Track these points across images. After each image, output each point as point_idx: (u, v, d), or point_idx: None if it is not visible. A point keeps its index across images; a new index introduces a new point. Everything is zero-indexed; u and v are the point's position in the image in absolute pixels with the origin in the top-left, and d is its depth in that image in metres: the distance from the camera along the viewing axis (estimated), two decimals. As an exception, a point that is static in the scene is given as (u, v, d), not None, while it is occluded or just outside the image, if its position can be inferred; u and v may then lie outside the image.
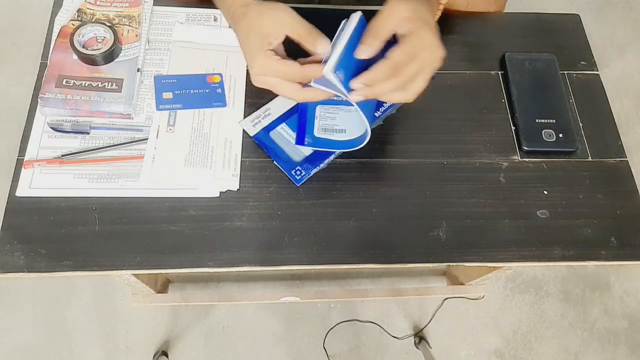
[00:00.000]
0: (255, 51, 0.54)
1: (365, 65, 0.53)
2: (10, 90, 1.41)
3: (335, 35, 0.54)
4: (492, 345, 1.22)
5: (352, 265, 0.58)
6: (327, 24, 0.57)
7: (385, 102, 0.57)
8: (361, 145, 0.59)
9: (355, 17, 0.54)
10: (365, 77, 0.52)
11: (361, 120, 0.57)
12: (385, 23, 0.53)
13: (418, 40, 0.52)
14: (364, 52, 0.53)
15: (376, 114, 0.65)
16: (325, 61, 0.52)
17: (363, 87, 0.52)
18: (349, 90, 0.52)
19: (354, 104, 0.54)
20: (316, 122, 0.63)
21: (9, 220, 0.56)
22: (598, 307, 1.27)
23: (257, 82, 0.56)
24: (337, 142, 0.62)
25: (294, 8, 0.55)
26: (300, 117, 0.64)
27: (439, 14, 0.67)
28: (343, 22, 0.55)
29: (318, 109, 0.64)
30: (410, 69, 0.52)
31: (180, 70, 0.65)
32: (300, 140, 0.62)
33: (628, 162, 0.66)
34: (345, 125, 0.63)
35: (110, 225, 0.57)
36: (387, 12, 0.53)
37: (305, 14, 0.54)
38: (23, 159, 0.59)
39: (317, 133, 0.63)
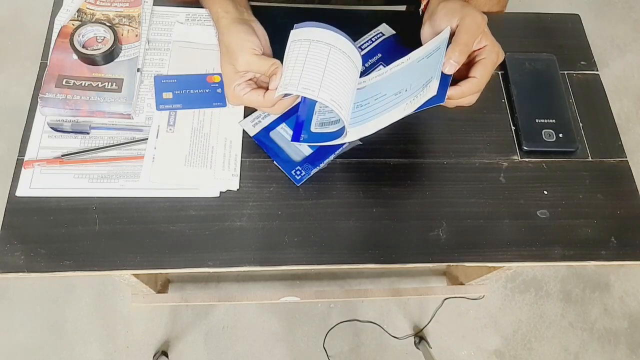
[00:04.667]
0: (227, 84, 0.59)
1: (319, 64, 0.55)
2: (10, 90, 1.41)
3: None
4: (492, 345, 1.22)
5: (352, 265, 0.58)
6: (327, 24, 0.57)
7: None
8: (346, 135, 0.57)
9: (292, 32, 0.57)
10: (454, 92, 0.54)
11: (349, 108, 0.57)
12: (473, 37, 0.54)
13: (494, 56, 0.55)
14: (452, 69, 0.53)
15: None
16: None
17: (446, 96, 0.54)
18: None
19: (327, 102, 0.54)
20: (314, 117, 0.63)
21: (9, 220, 0.56)
22: (598, 307, 1.27)
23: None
24: (331, 133, 0.61)
25: (294, 8, 0.55)
26: (298, 115, 0.63)
27: None
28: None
29: (318, 104, 0.64)
30: (486, 82, 0.56)
31: (180, 70, 0.65)
32: (296, 137, 0.62)
33: (628, 162, 0.66)
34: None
35: (110, 225, 0.57)
36: (471, 26, 0.54)
37: (305, 14, 0.54)
38: (23, 159, 0.59)
39: (314, 128, 0.62)
